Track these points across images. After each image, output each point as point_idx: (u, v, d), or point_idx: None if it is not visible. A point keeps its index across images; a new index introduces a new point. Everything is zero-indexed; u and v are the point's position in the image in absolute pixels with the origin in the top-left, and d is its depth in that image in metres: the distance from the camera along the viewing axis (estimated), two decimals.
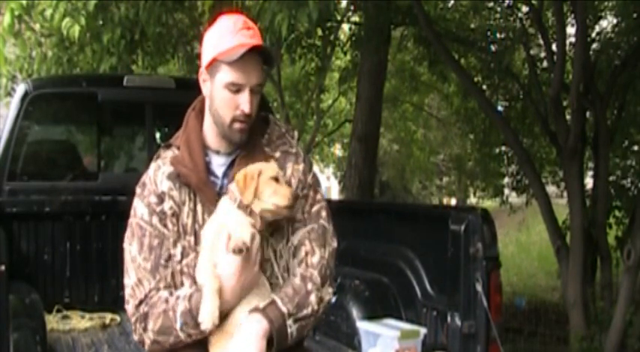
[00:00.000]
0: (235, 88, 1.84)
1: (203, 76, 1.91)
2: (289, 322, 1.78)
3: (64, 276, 3.83)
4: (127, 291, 1.86)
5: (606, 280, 6.35)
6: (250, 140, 1.93)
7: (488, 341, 2.77)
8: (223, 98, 1.85)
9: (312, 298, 1.84)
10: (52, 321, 3.54)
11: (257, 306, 1.78)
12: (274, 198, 1.80)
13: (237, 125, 1.86)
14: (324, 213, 1.96)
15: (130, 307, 1.85)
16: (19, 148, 3.79)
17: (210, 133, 1.94)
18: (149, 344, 1.83)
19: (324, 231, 1.93)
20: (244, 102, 1.84)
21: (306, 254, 1.88)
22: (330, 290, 1.91)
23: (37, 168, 3.97)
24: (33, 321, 2.95)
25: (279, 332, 1.76)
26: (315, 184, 1.99)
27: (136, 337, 1.86)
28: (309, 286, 1.84)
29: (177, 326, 1.77)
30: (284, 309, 1.78)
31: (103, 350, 3.25)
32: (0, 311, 2.42)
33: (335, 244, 1.96)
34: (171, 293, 1.82)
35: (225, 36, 1.84)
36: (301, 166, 1.96)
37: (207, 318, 1.74)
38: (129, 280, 1.86)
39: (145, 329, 1.82)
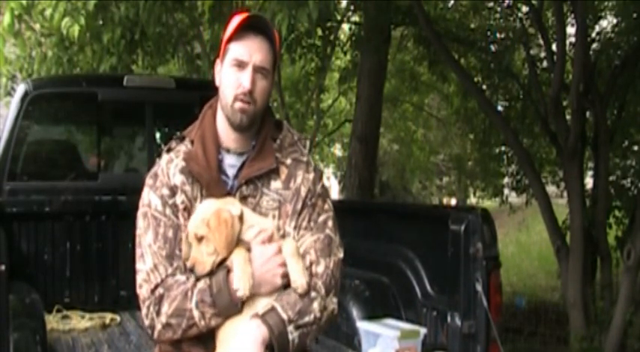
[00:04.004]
0: (238, 64, 1.85)
1: (217, 67, 1.94)
2: (290, 328, 1.76)
3: (64, 276, 3.83)
4: (141, 276, 1.83)
5: (606, 280, 6.36)
6: (260, 141, 1.93)
7: (489, 341, 2.77)
8: (228, 77, 1.87)
9: (315, 305, 1.81)
10: (52, 321, 3.54)
11: (256, 312, 1.77)
12: (190, 262, 1.80)
13: (238, 104, 1.86)
14: (330, 223, 1.94)
15: (143, 291, 1.82)
16: (19, 148, 3.79)
17: (222, 130, 1.94)
18: (160, 328, 1.80)
19: (330, 242, 1.91)
20: (245, 78, 1.84)
21: (311, 263, 1.85)
22: (335, 300, 1.88)
23: (37, 168, 3.97)
24: (33, 321, 2.94)
25: (279, 338, 1.74)
26: (324, 194, 1.98)
27: (146, 322, 1.83)
28: (313, 294, 1.82)
29: (193, 303, 1.76)
30: (284, 316, 1.76)
31: (103, 350, 3.25)
32: (0, 311, 2.42)
33: (341, 255, 1.94)
34: (187, 278, 1.81)
35: (235, 22, 1.87)
36: (311, 175, 1.95)
37: (242, 285, 1.74)
38: (144, 265, 1.84)
39: (158, 313, 1.79)
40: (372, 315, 3.14)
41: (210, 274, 1.78)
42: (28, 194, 3.78)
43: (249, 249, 1.81)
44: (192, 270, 1.78)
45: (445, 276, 2.95)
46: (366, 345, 3.02)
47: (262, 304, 1.79)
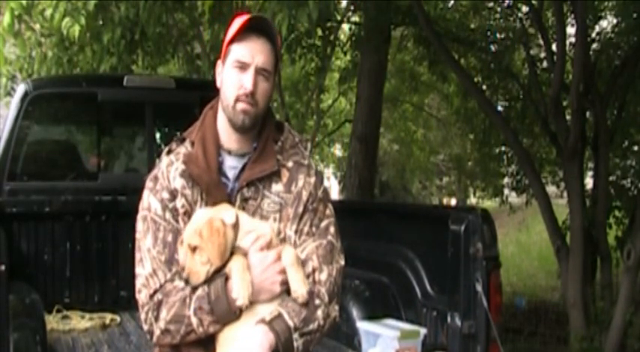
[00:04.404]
0: (240, 65, 1.85)
1: (218, 68, 1.94)
2: (295, 336, 1.76)
3: (64, 276, 3.83)
4: (140, 281, 1.83)
5: (606, 280, 6.36)
6: (262, 143, 1.92)
7: (489, 341, 2.77)
8: (230, 78, 1.87)
9: (319, 313, 1.81)
10: (52, 321, 3.54)
11: (263, 318, 1.76)
12: (185, 273, 1.78)
13: (240, 105, 1.85)
14: (332, 229, 1.93)
15: (142, 296, 1.82)
16: (19, 148, 3.79)
17: (223, 131, 1.93)
18: (158, 334, 1.80)
19: (332, 248, 1.90)
20: (247, 80, 1.84)
21: (314, 270, 1.85)
22: (337, 307, 1.88)
23: (37, 168, 3.97)
24: (33, 321, 2.94)
25: (285, 345, 1.74)
26: (326, 198, 1.96)
27: (145, 327, 1.83)
28: (317, 301, 1.81)
29: (191, 310, 1.75)
30: (290, 323, 1.75)
31: (103, 350, 3.25)
32: (0, 311, 2.42)
33: (342, 262, 1.93)
34: (186, 284, 1.80)
35: (238, 23, 1.87)
36: (313, 179, 1.94)
37: (241, 294, 1.73)
38: (143, 270, 1.83)
39: (156, 318, 1.78)
40: (372, 315, 3.14)
41: (209, 281, 1.76)
42: (28, 194, 3.77)
43: (246, 255, 1.80)
44: (187, 281, 1.77)
45: (445, 276, 2.95)
46: (366, 345, 3.02)
47: (261, 310, 1.78)
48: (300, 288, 1.79)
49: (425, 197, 19.41)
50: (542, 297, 8.84)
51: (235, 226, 1.79)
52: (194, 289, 1.77)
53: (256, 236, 1.81)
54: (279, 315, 1.76)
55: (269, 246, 1.82)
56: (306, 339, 1.78)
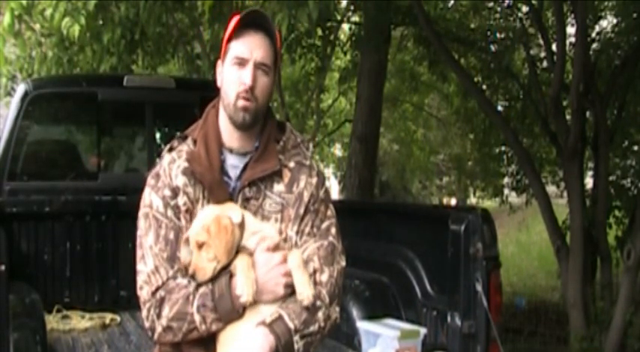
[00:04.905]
0: (239, 61, 1.84)
1: (219, 68, 1.93)
2: (296, 338, 1.75)
3: (64, 276, 3.84)
4: (142, 278, 1.82)
5: (606, 280, 6.36)
6: (264, 142, 1.91)
7: (489, 341, 2.78)
8: (229, 75, 1.86)
9: (320, 315, 1.80)
10: (52, 321, 3.54)
11: (263, 320, 1.75)
12: (191, 269, 1.78)
13: (240, 103, 1.84)
14: (333, 230, 1.92)
15: (144, 293, 1.80)
16: (19, 148, 3.79)
17: (225, 130, 1.92)
18: (160, 331, 1.78)
19: (333, 249, 1.89)
20: (246, 75, 1.83)
21: (315, 271, 1.84)
22: (338, 308, 1.87)
23: (37, 168, 3.98)
24: (33, 321, 2.94)
25: (285, 347, 1.73)
26: (327, 199, 1.96)
27: (147, 324, 1.82)
28: (318, 303, 1.80)
29: (194, 307, 1.74)
30: (291, 325, 1.74)
31: (103, 350, 3.25)
32: (0, 311, 2.42)
33: (343, 263, 1.92)
34: (189, 282, 1.79)
35: (234, 21, 1.86)
36: (314, 180, 1.93)
37: (245, 291, 1.73)
38: (145, 267, 1.82)
39: (158, 316, 1.77)
40: (372, 315, 3.14)
41: (212, 279, 1.76)
42: (28, 194, 3.78)
43: (252, 255, 1.80)
44: (193, 277, 1.76)
45: (445, 276, 2.95)
46: (366, 345, 3.02)
47: (264, 310, 1.78)
48: (305, 290, 1.78)
49: (425, 197, 19.41)
50: (542, 297, 8.85)
51: (241, 225, 1.79)
52: (197, 286, 1.77)
53: (262, 237, 1.81)
54: (280, 317, 1.75)
55: (276, 248, 1.82)
56: (306, 341, 1.78)
